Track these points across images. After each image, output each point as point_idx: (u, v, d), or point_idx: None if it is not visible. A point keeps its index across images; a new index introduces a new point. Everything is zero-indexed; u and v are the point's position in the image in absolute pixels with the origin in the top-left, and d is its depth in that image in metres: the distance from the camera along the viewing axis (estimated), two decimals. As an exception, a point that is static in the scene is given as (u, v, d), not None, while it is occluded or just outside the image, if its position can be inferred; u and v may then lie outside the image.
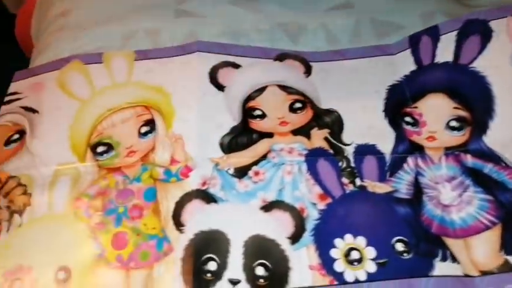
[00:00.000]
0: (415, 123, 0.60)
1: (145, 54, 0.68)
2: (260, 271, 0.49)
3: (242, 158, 0.58)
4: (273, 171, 0.57)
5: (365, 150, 0.59)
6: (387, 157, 0.58)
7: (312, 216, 0.53)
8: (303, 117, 0.62)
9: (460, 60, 0.61)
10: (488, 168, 0.55)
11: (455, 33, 0.63)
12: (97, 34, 0.73)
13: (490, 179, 0.55)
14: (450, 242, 0.51)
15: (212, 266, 0.49)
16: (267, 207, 0.54)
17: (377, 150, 0.59)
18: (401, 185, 0.56)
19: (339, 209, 0.54)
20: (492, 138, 0.57)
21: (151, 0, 0.78)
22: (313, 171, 0.57)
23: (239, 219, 0.54)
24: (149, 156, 0.59)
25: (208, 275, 0.49)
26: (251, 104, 0.63)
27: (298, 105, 0.63)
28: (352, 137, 0.60)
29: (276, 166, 0.58)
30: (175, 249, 0.51)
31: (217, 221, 0.53)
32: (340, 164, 0.57)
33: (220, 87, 0.64)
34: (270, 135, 0.61)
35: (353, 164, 0.57)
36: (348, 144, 0.59)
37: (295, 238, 0.52)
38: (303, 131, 0.61)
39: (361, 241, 0.51)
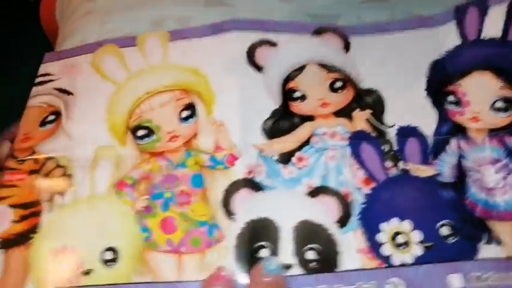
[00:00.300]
0: (458, 102, 0.59)
1: (179, 34, 0.66)
2: (310, 255, 0.51)
3: (285, 143, 0.58)
4: (316, 157, 0.58)
5: (407, 132, 0.58)
6: (430, 139, 0.57)
7: (358, 201, 0.55)
8: (343, 97, 0.61)
9: (509, 37, 0.59)
10: (534, 150, 0.55)
11: (505, 5, 0.60)
12: (125, 19, 0.71)
13: (535, 161, 0.54)
14: (494, 225, 0.52)
15: (264, 253, 0.51)
16: (313, 192, 0.55)
17: (420, 132, 0.58)
18: (445, 168, 0.56)
19: (384, 193, 0.55)
20: (539, 120, 0.56)
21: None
22: (357, 155, 0.57)
23: (287, 206, 0.55)
24: (191, 142, 0.59)
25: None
26: (291, 84, 0.62)
27: (339, 84, 0.62)
28: (393, 118, 0.59)
29: (319, 151, 0.58)
30: (227, 237, 0.53)
31: (265, 208, 0.54)
32: (383, 147, 0.58)
33: (259, 68, 0.63)
34: (311, 118, 0.60)
35: (395, 147, 0.57)
36: (390, 126, 0.59)
37: (343, 222, 0.53)
38: (344, 113, 0.60)
39: (407, 225, 0.52)
